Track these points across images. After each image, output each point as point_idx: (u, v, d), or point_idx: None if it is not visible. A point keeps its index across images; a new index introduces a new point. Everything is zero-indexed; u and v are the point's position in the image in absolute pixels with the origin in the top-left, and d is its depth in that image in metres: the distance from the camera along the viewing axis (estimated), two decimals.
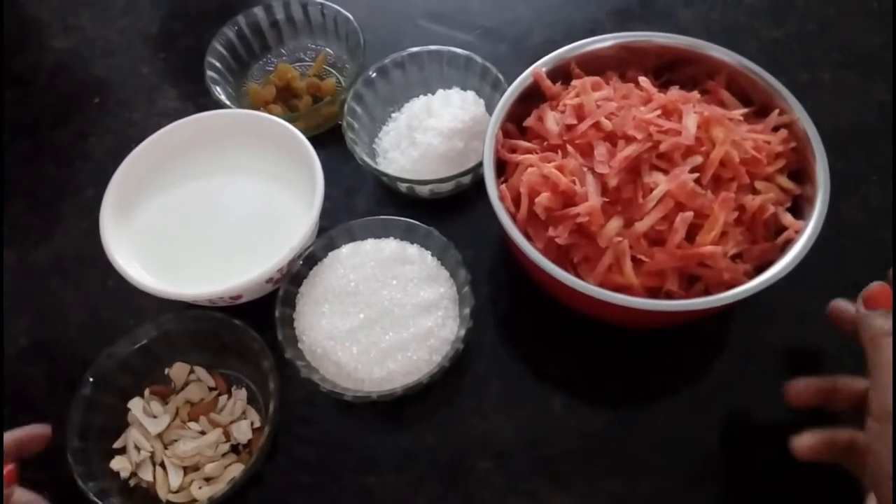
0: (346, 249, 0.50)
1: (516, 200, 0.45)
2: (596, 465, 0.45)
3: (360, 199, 0.57)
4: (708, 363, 0.48)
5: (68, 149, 0.62)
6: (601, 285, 0.41)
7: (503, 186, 0.46)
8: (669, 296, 0.42)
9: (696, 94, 0.47)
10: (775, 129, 0.46)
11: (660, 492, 0.44)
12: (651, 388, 0.48)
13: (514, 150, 0.48)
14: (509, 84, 0.54)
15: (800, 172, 0.46)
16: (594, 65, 0.50)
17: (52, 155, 0.62)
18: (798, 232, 0.42)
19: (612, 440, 0.46)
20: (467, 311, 0.46)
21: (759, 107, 0.48)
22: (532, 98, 0.50)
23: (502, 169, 0.48)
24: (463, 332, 0.46)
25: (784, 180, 0.45)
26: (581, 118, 0.46)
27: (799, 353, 0.48)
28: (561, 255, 0.44)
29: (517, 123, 0.50)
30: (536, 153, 0.47)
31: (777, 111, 0.47)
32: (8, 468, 0.40)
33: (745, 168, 0.44)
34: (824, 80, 0.60)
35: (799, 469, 0.40)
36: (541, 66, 0.50)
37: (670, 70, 0.51)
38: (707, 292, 0.42)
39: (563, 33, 0.65)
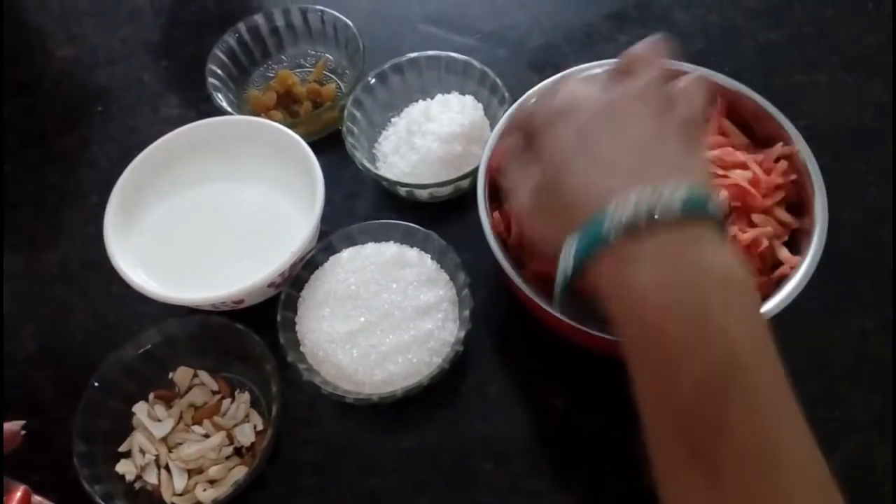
0: (346, 253, 0.50)
1: (509, 226, 0.45)
2: (598, 464, 0.46)
3: (359, 204, 0.57)
4: None
5: (73, 156, 0.63)
6: None
7: (496, 214, 0.46)
8: None
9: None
10: (776, 160, 0.46)
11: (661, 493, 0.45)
12: None
13: None
14: (507, 88, 0.55)
15: (798, 205, 0.45)
16: None
17: (56, 162, 0.63)
18: (793, 268, 0.42)
19: (614, 440, 0.46)
20: (467, 313, 0.47)
21: (759, 137, 0.48)
22: None
23: (498, 193, 0.48)
24: (462, 335, 0.46)
25: (782, 213, 0.45)
26: None
27: (796, 353, 0.48)
28: (550, 283, 0.44)
29: None
30: None
31: (780, 143, 0.46)
32: (21, 489, 0.40)
33: (741, 201, 0.43)
34: (822, 82, 0.60)
35: None
36: (535, 93, 0.49)
37: None
38: None
39: (560, 37, 0.65)
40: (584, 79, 0.38)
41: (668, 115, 0.35)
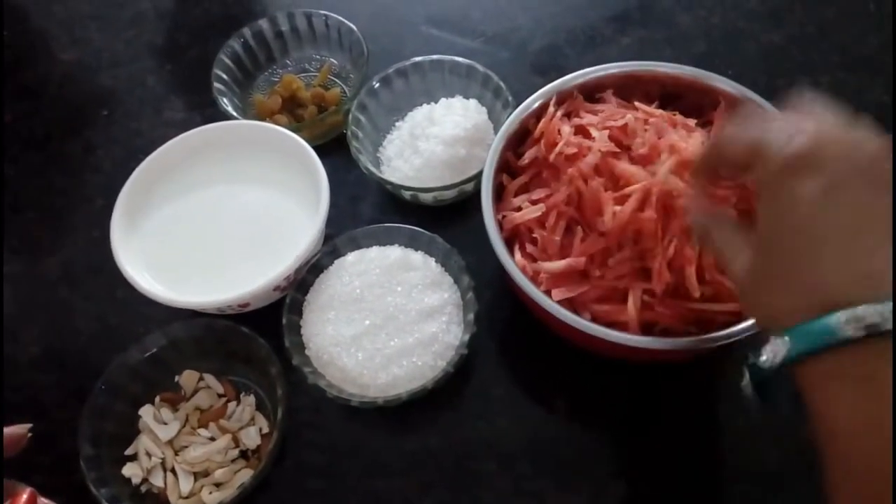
0: (351, 257, 0.50)
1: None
2: (601, 466, 0.46)
3: (364, 207, 0.57)
4: (711, 368, 0.49)
5: (77, 160, 0.63)
6: (595, 319, 0.42)
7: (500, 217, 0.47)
8: (666, 332, 0.42)
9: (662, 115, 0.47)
10: None
11: (664, 494, 0.45)
12: (657, 390, 0.48)
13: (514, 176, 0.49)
14: (510, 91, 0.55)
15: None
16: (597, 92, 0.51)
17: (60, 166, 0.63)
18: None
19: (617, 441, 0.47)
20: (471, 316, 0.47)
21: None
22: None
23: (501, 195, 0.49)
24: (467, 338, 0.46)
25: None
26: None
27: None
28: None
29: (515, 148, 0.50)
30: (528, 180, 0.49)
31: None
32: (28, 491, 0.40)
33: (748, 203, 0.44)
34: (823, 83, 0.60)
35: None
36: (539, 97, 0.50)
37: (674, 100, 0.50)
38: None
39: (563, 39, 0.65)
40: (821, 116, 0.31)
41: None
